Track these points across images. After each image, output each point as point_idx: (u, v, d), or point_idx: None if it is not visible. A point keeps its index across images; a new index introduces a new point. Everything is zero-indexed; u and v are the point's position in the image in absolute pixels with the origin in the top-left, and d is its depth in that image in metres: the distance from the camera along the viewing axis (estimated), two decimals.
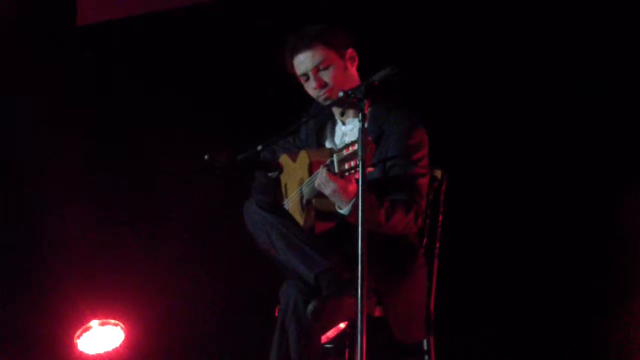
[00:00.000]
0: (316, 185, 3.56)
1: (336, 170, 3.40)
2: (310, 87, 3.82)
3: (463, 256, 4.54)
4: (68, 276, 5.26)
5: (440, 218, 3.95)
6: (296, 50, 3.80)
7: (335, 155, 3.41)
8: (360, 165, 3.14)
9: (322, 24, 3.81)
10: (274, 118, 4.21)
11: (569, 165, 4.60)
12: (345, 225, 3.59)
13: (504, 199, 4.67)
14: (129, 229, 5.35)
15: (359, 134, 3.16)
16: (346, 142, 3.42)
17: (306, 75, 3.81)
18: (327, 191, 3.54)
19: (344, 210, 3.57)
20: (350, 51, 3.82)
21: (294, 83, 3.91)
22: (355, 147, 3.29)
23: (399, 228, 3.63)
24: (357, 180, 3.22)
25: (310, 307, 3.43)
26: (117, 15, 5.54)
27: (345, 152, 3.36)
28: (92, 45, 5.51)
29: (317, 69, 3.77)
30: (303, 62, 3.79)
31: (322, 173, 3.52)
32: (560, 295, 4.56)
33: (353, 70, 3.84)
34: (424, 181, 3.73)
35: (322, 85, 3.78)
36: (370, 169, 3.35)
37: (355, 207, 3.50)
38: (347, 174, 3.37)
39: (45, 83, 5.34)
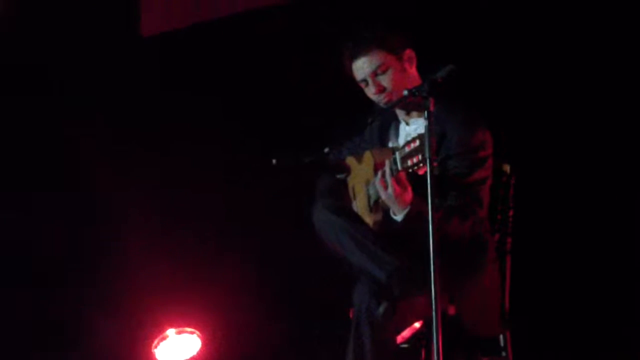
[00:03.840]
0: (376, 186, 3.53)
1: (399, 167, 3.38)
2: (370, 92, 3.80)
3: (539, 251, 4.50)
4: (145, 285, 5.31)
5: (511, 213, 3.91)
6: (354, 56, 3.77)
7: (397, 153, 3.38)
8: (427, 161, 3.12)
9: (378, 25, 3.78)
10: (338, 120, 4.20)
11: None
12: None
13: (575, 192, 4.61)
14: (206, 238, 5.39)
15: (425, 130, 3.14)
16: (407, 140, 3.39)
17: (365, 81, 3.79)
18: (383, 195, 3.52)
19: (398, 217, 3.55)
20: (408, 52, 3.78)
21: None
22: (417, 143, 3.26)
23: (452, 236, 3.58)
24: (421, 177, 3.20)
25: (381, 308, 3.43)
26: (182, 24, 5.55)
27: (407, 149, 3.32)
28: (155, 54, 5.55)
29: (374, 74, 3.74)
30: (361, 67, 3.76)
31: (378, 177, 3.50)
32: None
33: (412, 70, 3.80)
34: (484, 188, 3.68)
35: (381, 89, 3.75)
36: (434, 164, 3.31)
37: (408, 216, 3.50)
38: (410, 170, 3.34)
39: (111, 95, 5.41)
